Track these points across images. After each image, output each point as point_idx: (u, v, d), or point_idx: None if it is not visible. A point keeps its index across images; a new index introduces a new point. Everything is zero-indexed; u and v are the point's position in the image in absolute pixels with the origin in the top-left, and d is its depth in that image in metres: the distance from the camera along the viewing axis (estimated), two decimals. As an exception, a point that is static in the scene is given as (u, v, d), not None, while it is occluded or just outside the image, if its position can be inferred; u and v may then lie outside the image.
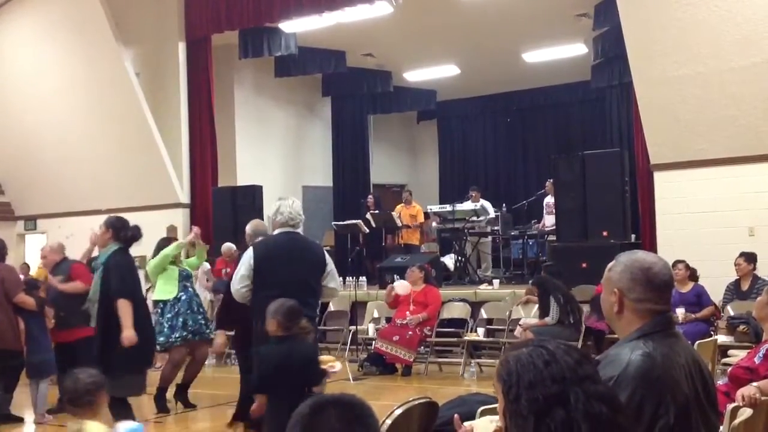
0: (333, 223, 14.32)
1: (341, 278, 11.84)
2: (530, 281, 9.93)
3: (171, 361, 7.86)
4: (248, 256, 5.42)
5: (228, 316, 6.74)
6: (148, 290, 8.76)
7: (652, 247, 9.81)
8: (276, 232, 5.57)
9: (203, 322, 7.95)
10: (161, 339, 7.57)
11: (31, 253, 15.22)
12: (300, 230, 5.67)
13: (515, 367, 1.83)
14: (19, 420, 7.26)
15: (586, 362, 1.86)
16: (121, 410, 5.93)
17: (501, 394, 1.86)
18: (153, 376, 7.78)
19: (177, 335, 7.64)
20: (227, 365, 10.37)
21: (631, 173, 10.82)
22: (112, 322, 5.96)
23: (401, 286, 9.87)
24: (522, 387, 1.79)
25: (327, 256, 5.67)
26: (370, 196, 14.63)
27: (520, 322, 9.36)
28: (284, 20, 12.73)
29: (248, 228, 6.63)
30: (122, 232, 6.13)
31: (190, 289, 7.92)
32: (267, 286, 5.31)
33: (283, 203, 5.53)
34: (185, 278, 7.91)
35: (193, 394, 8.14)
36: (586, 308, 9.25)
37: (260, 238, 6.06)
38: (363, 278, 12.08)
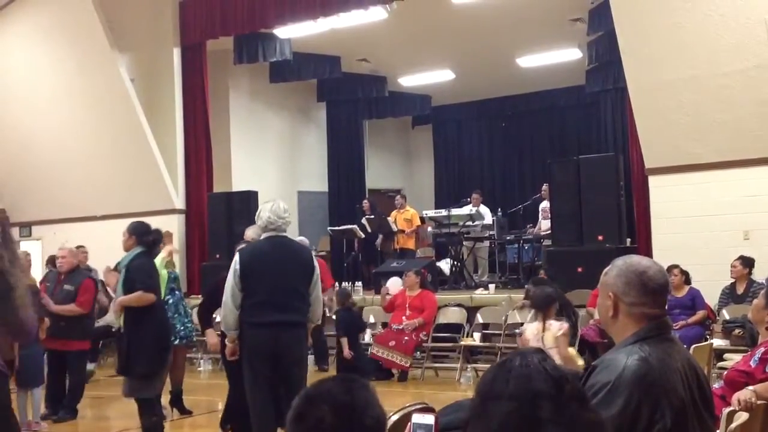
0: (328, 228, 14.32)
1: (337, 283, 11.87)
2: (527, 284, 9.91)
3: None
4: (234, 262, 5.40)
5: (210, 314, 6.86)
6: None
7: (647, 251, 9.82)
8: (262, 237, 5.54)
9: (190, 326, 7.98)
10: None
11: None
12: (286, 233, 5.61)
13: (479, 387, 1.75)
14: None
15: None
16: (151, 409, 6.07)
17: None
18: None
19: None
20: (223, 371, 10.33)
21: (626, 177, 10.83)
22: (136, 323, 6.04)
23: (393, 285, 9.91)
24: (476, 409, 1.73)
25: (315, 261, 5.62)
26: (366, 201, 14.62)
27: (518, 330, 9.35)
28: (279, 26, 12.74)
29: (251, 232, 6.58)
30: (145, 237, 6.20)
31: (177, 292, 7.92)
32: (255, 292, 5.30)
33: (264, 207, 5.48)
34: (173, 281, 7.90)
35: (189, 400, 8.12)
36: (582, 312, 9.25)
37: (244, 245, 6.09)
38: (359, 283, 12.08)
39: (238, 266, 5.33)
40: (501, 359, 1.81)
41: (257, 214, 5.51)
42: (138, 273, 6.09)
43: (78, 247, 9.23)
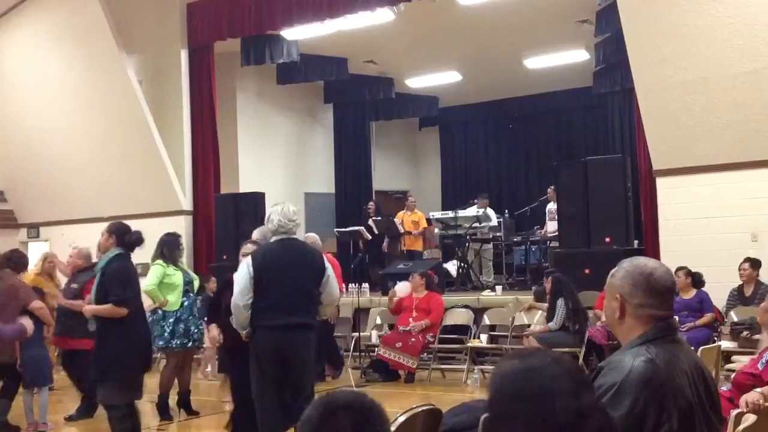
0: (335, 229, 14.31)
1: (344, 285, 11.86)
2: (546, 273, 9.85)
3: (168, 366, 7.89)
4: (246, 265, 5.40)
5: (217, 311, 6.58)
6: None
7: (655, 253, 9.79)
8: (272, 239, 5.56)
9: (203, 328, 8.01)
10: (160, 343, 7.59)
11: (33, 261, 15.21)
12: (297, 236, 5.65)
13: (493, 381, 1.77)
14: (15, 429, 7.25)
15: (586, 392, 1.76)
16: (122, 417, 5.92)
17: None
18: (152, 384, 7.79)
19: (177, 342, 7.64)
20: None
21: (634, 179, 10.81)
22: (108, 328, 5.87)
23: (401, 289, 9.90)
24: (496, 409, 1.73)
25: (326, 262, 5.66)
26: (372, 203, 14.62)
27: (525, 332, 9.34)
28: (286, 27, 12.75)
29: (257, 234, 6.57)
30: (126, 237, 6.09)
31: (191, 294, 7.94)
32: (266, 294, 5.32)
33: (273, 210, 5.52)
34: (187, 284, 7.92)
35: (196, 401, 8.14)
36: (590, 314, 9.23)
37: (255, 248, 6.04)
38: (365, 285, 12.08)
39: (251, 269, 5.33)
40: (514, 358, 1.81)
41: (267, 217, 5.55)
42: (113, 281, 5.79)
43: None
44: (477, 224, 12.73)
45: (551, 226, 12.41)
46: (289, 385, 5.29)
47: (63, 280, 10.00)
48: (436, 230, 13.83)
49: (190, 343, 7.76)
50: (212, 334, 6.97)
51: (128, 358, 5.83)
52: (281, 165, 15.94)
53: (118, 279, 5.82)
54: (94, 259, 7.87)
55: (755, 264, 8.71)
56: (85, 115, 14.06)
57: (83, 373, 7.85)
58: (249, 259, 5.46)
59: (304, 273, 5.44)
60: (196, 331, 7.85)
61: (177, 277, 7.78)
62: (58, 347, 8.27)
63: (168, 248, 7.84)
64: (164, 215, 13.15)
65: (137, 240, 6.13)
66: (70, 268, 8.37)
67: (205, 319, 7.86)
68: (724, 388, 4.62)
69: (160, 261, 7.80)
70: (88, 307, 6.02)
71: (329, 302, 5.68)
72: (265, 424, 5.30)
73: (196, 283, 8.45)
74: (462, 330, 10.06)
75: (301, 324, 5.36)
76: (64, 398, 9.02)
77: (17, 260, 7.42)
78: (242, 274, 5.38)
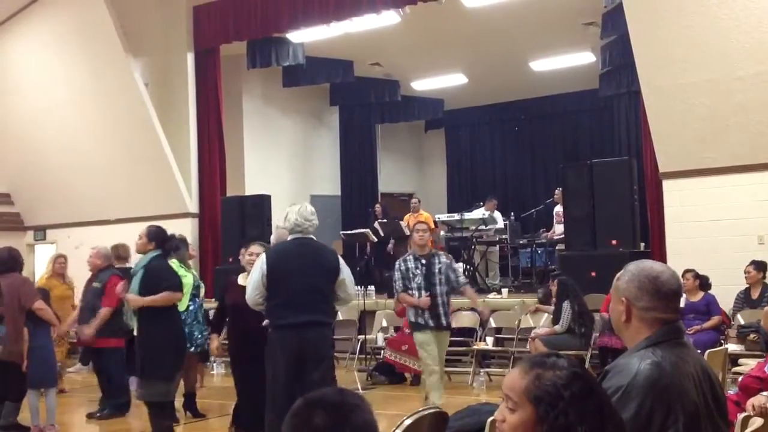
0: (341, 232, 14.31)
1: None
2: (551, 276, 9.81)
3: None
4: (261, 262, 5.46)
5: (222, 321, 6.84)
6: None
7: (661, 255, 9.77)
8: (288, 238, 5.59)
9: (207, 334, 8.00)
10: None
11: (40, 263, 15.26)
12: (312, 236, 5.67)
13: (561, 394, 1.77)
14: (25, 430, 7.25)
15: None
16: (163, 414, 6.08)
17: (532, 414, 1.81)
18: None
19: None
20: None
21: (640, 181, 10.77)
22: (152, 327, 6.05)
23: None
24: (572, 417, 1.75)
25: (342, 262, 5.67)
26: (378, 205, 14.63)
27: (531, 334, 9.31)
28: (292, 30, 12.78)
29: (272, 238, 6.70)
30: (165, 243, 6.27)
31: (197, 299, 7.96)
32: (279, 292, 5.35)
33: (291, 210, 5.57)
34: (195, 288, 7.94)
35: (202, 403, 8.15)
36: (596, 316, 9.21)
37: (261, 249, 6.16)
38: (371, 287, 12.07)
39: (264, 267, 5.39)
40: (539, 366, 1.84)
41: (284, 216, 5.58)
42: (161, 273, 6.09)
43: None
44: (483, 226, 12.71)
45: (558, 229, 12.38)
46: (305, 385, 5.28)
47: (74, 279, 10.07)
48: (442, 233, 13.81)
49: (192, 348, 7.76)
50: (213, 345, 7.02)
51: (171, 353, 6.06)
52: (287, 167, 15.96)
53: (166, 271, 6.16)
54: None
55: (760, 266, 8.69)
56: (91, 117, 14.09)
57: (107, 370, 8.00)
58: (263, 256, 5.53)
59: (318, 272, 5.47)
60: (199, 336, 7.86)
61: (187, 279, 7.80)
62: (85, 346, 8.35)
63: (177, 248, 7.93)
64: (170, 217, 13.16)
65: (175, 246, 6.38)
66: (90, 267, 8.36)
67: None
68: (730, 392, 4.61)
69: (174, 261, 7.84)
70: (139, 298, 6.06)
71: (344, 302, 5.79)
72: (272, 422, 5.30)
73: (202, 290, 8.49)
74: (468, 333, 10.05)
75: (315, 322, 5.39)
76: (71, 399, 9.04)
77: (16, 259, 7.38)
78: (256, 271, 5.43)
